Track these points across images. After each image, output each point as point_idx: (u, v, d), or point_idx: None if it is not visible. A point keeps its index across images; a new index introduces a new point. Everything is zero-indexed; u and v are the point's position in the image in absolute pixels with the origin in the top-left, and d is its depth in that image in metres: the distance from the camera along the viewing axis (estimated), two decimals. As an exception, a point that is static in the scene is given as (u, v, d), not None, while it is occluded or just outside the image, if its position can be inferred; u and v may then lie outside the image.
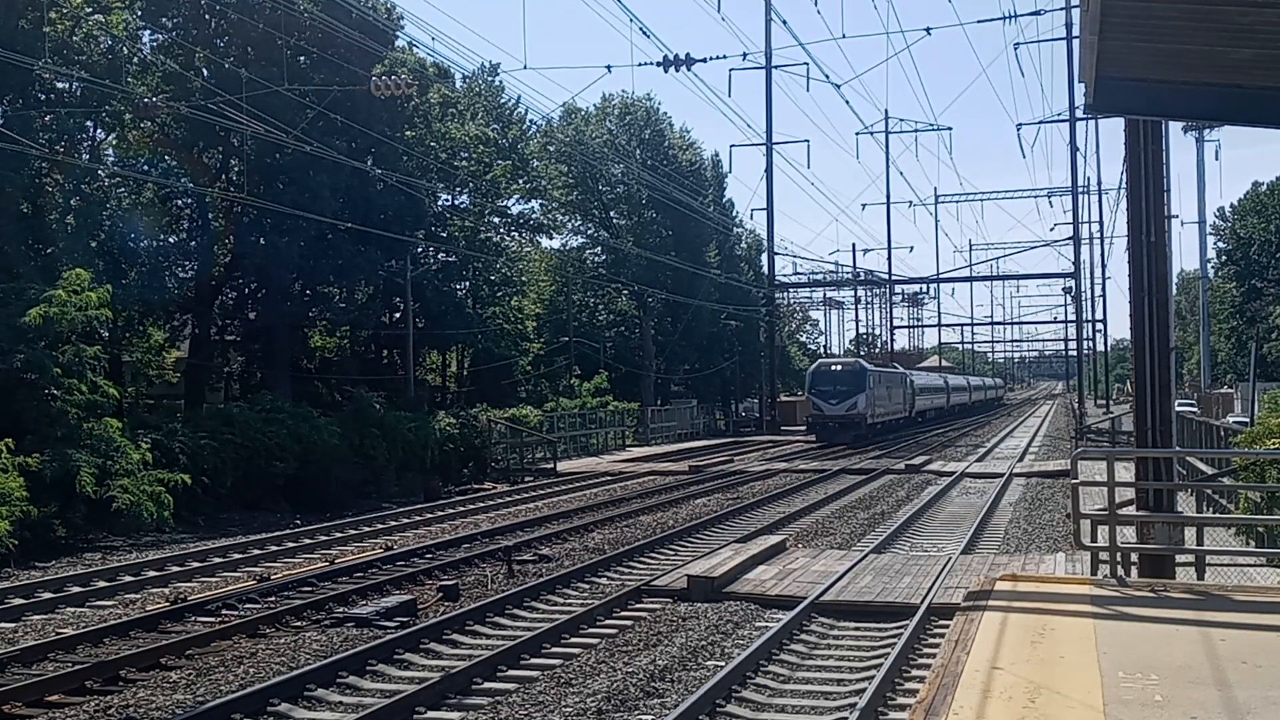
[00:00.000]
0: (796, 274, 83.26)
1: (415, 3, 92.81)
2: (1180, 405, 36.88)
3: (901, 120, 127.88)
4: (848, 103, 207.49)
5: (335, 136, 36.18)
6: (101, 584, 16.48)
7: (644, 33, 31.75)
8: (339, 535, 21.90)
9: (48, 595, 15.53)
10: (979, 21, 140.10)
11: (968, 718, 7.37)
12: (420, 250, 45.90)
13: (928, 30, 45.34)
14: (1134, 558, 13.17)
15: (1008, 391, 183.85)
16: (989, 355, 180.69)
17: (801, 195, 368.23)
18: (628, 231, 63.63)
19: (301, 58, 37.50)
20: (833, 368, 55.29)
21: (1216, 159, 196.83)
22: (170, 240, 40.93)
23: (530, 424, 40.71)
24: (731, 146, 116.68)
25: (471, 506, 26.79)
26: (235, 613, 14.23)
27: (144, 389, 37.00)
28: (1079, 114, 54.26)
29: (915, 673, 10.67)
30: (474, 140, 49.07)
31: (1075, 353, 78.60)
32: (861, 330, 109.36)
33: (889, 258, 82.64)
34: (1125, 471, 16.44)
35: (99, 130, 35.96)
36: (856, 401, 51.53)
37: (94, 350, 23.35)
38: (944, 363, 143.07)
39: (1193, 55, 9.33)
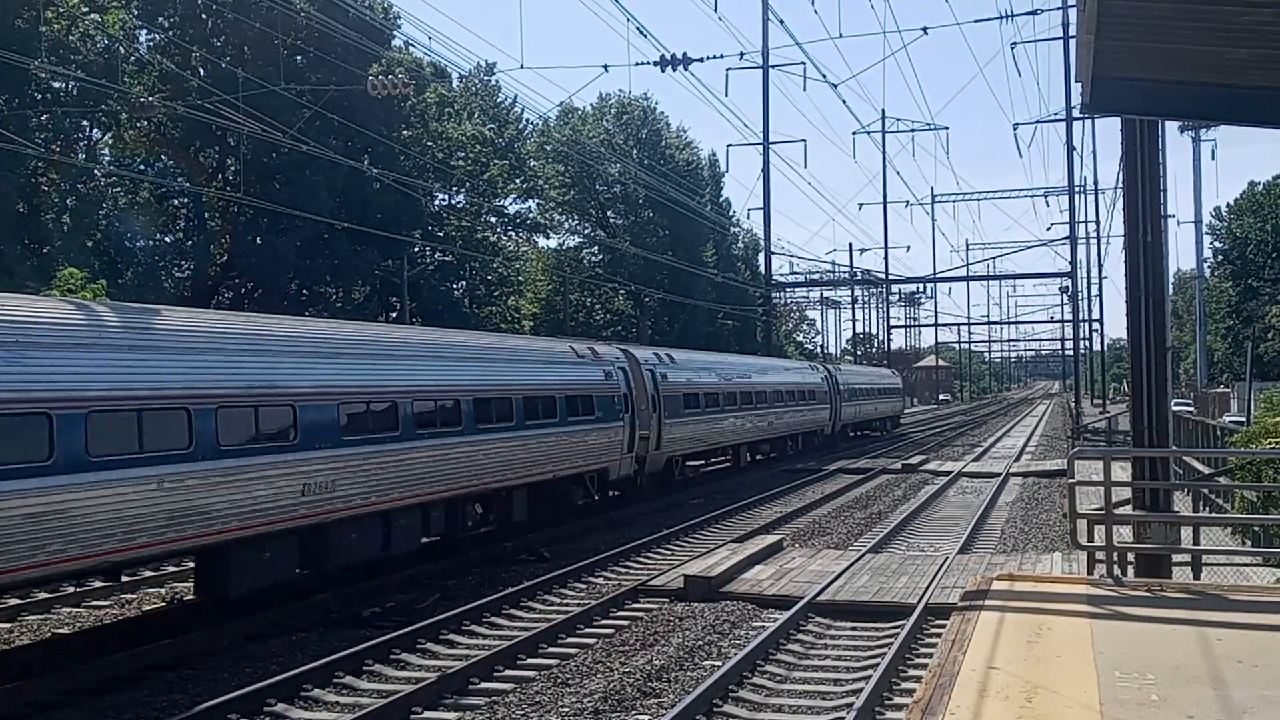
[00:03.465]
0: (793, 273, 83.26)
1: (412, 2, 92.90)
2: (1176, 405, 36.93)
3: (898, 120, 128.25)
4: (845, 102, 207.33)
5: (332, 136, 36.17)
6: (98, 584, 16.43)
7: (641, 32, 31.85)
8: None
9: (44, 595, 15.50)
10: (976, 21, 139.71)
11: (965, 717, 7.37)
12: (417, 250, 45.91)
13: (925, 30, 45.13)
14: (1130, 557, 13.18)
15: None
16: (986, 355, 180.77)
17: (798, 195, 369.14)
18: (625, 231, 63.64)
19: (298, 57, 37.50)
20: None
21: (1213, 158, 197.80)
22: (166, 240, 40.91)
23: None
24: (728, 146, 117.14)
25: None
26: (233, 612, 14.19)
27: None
28: (1076, 114, 54.27)
29: (912, 672, 10.67)
30: (471, 140, 49.09)
31: (1072, 352, 78.74)
32: (858, 330, 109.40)
33: (885, 257, 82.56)
34: (1122, 471, 16.46)
35: (95, 130, 35.95)
36: None
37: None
38: (940, 362, 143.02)
39: (1189, 55, 9.34)
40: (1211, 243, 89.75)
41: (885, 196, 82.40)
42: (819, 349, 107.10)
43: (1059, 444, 48.79)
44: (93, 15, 31.81)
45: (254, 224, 38.66)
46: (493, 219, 54.09)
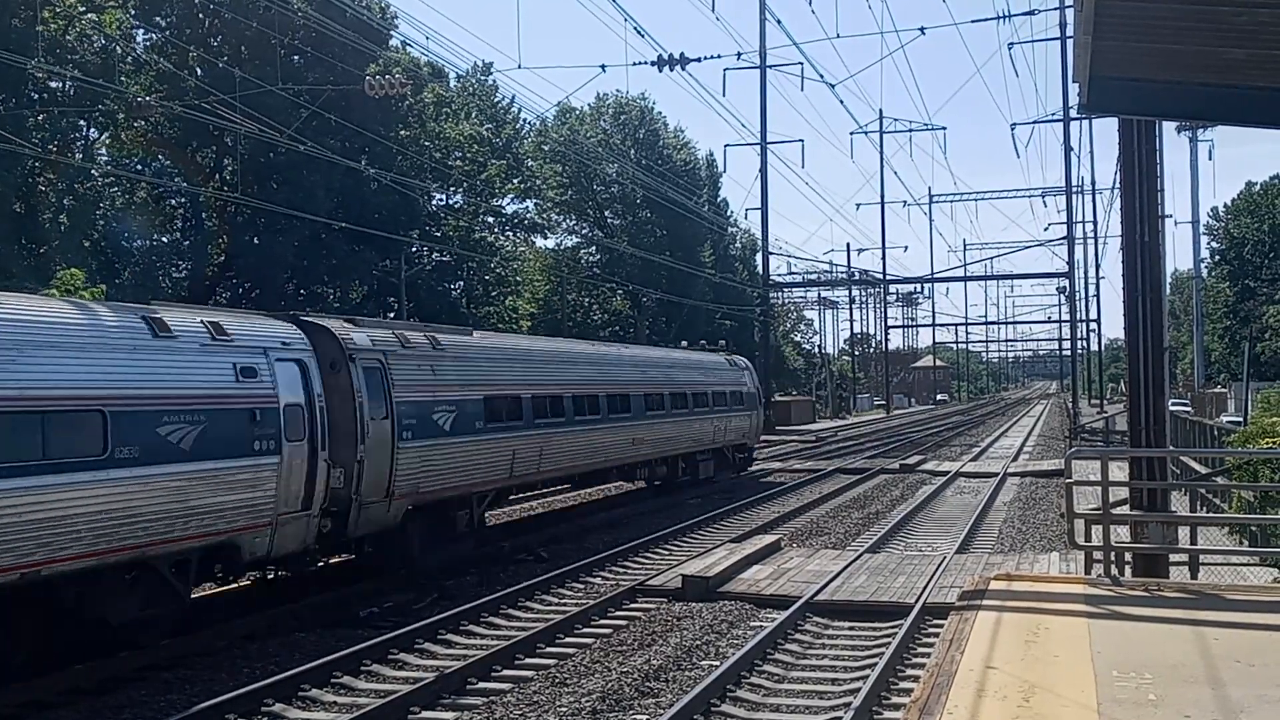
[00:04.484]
0: (791, 274, 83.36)
1: (410, 2, 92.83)
2: (1174, 405, 36.93)
3: (896, 120, 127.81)
4: (842, 102, 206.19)
5: (329, 136, 36.12)
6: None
7: (638, 32, 31.93)
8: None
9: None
10: (973, 21, 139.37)
11: (962, 717, 7.37)
12: (414, 250, 45.90)
13: (922, 30, 45.45)
14: (1128, 557, 13.19)
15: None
16: (983, 355, 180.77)
17: (796, 195, 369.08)
18: (622, 231, 63.66)
19: (295, 57, 37.47)
20: None
21: (1210, 158, 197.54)
22: (164, 240, 40.86)
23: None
24: (726, 146, 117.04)
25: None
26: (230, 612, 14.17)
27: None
28: (1073, 114, 54.36)
29: (910, 672, 10.67)
30: (468, 140, 49.06)
31: (1069, 352, 78.81)
32: (856, 330, 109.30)
33: (883, 257, 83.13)
34: (1119, 471, 16.47)
35: (92, 129, 35.91)
36: None
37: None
38: (938, 362, 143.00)
39: (1186, 55, 9.35)
40: (1209, 243, 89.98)
41: (883, 197, 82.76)
42: (817, 349, 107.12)
43: (1056, 444, 48.82)
44: (90, 15, 31.76)
45: (251, 224, 38.64)
46: (490, 219, 54.09)
